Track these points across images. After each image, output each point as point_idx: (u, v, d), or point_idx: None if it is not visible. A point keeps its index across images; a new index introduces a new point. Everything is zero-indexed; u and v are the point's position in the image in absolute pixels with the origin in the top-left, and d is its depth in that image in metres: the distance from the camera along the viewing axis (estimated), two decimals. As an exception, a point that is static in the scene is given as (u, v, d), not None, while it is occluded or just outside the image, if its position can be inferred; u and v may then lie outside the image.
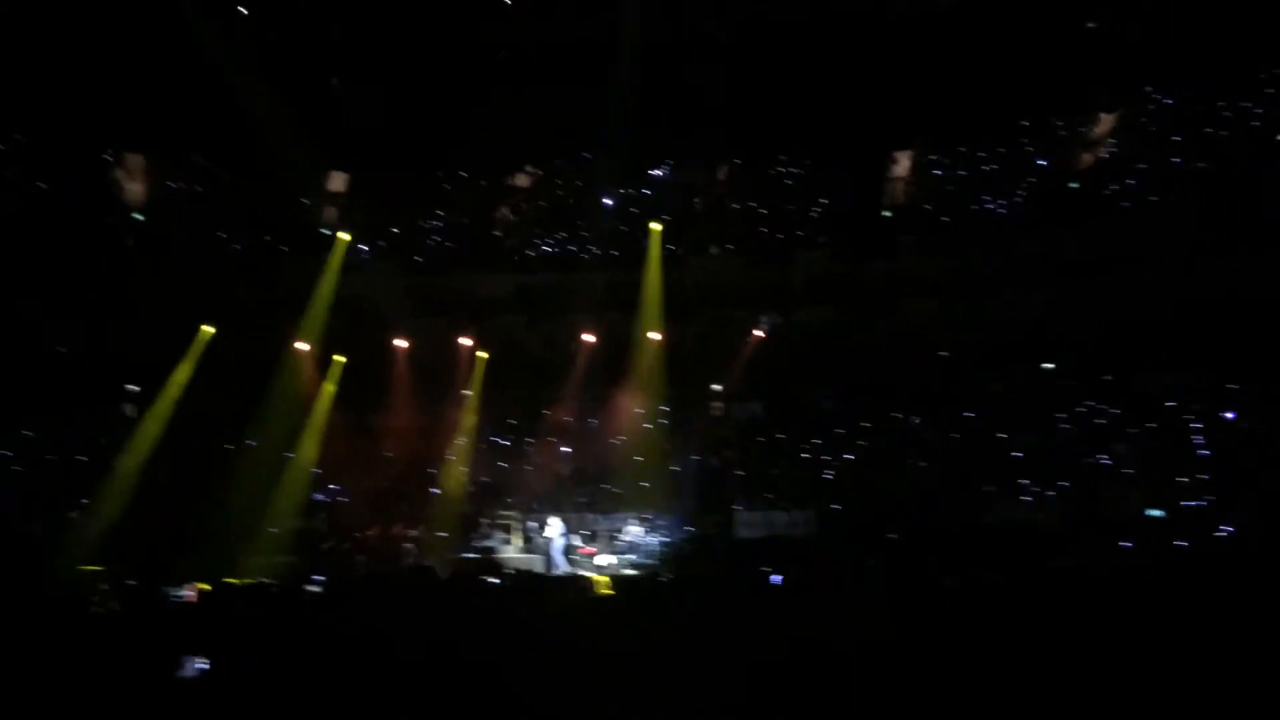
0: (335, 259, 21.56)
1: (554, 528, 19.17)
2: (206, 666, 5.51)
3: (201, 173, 22.50)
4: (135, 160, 22.08)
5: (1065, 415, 21.08)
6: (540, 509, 20.38)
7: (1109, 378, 21.37)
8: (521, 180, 23.84)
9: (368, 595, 11.14)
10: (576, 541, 19.73)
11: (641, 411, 22.95)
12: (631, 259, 23.22)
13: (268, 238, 22.41)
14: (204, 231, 22.39)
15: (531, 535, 19.48)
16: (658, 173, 23.60)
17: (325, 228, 22.84)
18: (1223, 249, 20.29)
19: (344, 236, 21.78)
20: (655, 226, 22.46)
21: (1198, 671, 5.13)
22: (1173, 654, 5.66)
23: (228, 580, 13.63)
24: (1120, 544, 17.12)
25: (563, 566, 18.77)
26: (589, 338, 22.90)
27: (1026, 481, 19.65)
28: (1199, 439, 19.21)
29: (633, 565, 19.07)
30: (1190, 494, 18.10)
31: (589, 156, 23.26)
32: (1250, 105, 20.59)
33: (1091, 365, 21.63)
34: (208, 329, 20.66)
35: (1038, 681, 5.05)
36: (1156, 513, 17.94)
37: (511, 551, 19.33)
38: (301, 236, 22.85)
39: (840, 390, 22.87)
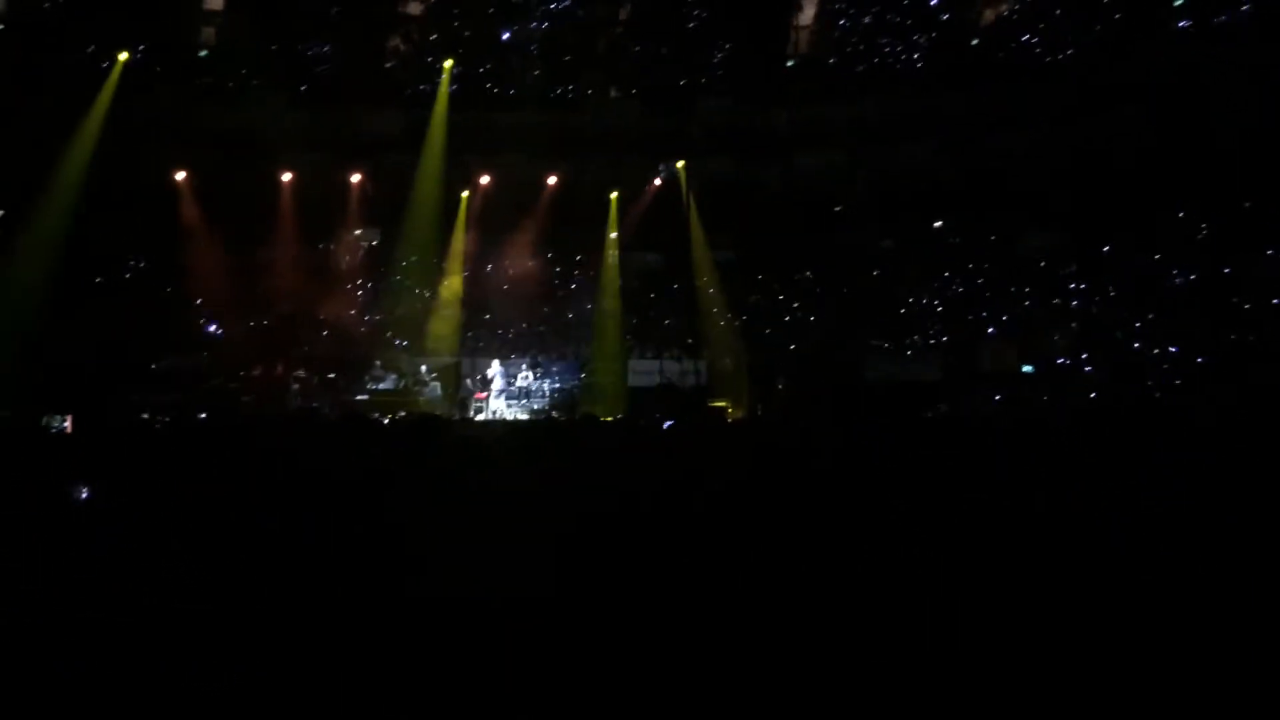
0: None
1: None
2: (89, 494, 5.41)
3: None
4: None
5: (950, 274, 21.72)
6: (433, 353, 20.25)
7: (994, 238, 22.02)
8: (414, 8, 22.62)
9: (253, 431, 10.98)
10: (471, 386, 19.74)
11: (536, 257, 22.78)
12: (531, 99, 22.61)
13: (138, 57, 20.67)
14: (69, 47, 20.63)
15: (425, 379, 19.33)
16: (556, 6, 22.61)
17: (203, 50, 21.45)
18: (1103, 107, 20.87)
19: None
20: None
21: (1058, 517, 5.40)
22: (1031, 497, 5.94)
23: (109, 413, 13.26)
24: (995, 397, 18.05)
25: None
26: (483, 179, 22.39)
27: (914, 337, 20.33)
28: (1071, 297, 20.09)
29: (527, 410, 19.24)
30: (1062, 352, 19.00)
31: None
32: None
33: (978, 224, 22.21)
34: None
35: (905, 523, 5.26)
36: (1030, 369, 18.87)
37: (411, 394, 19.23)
38: (177, 57, 21.35)
39: (736, 242, 23.01)
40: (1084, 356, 18.47)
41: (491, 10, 22.09)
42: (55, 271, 17.84)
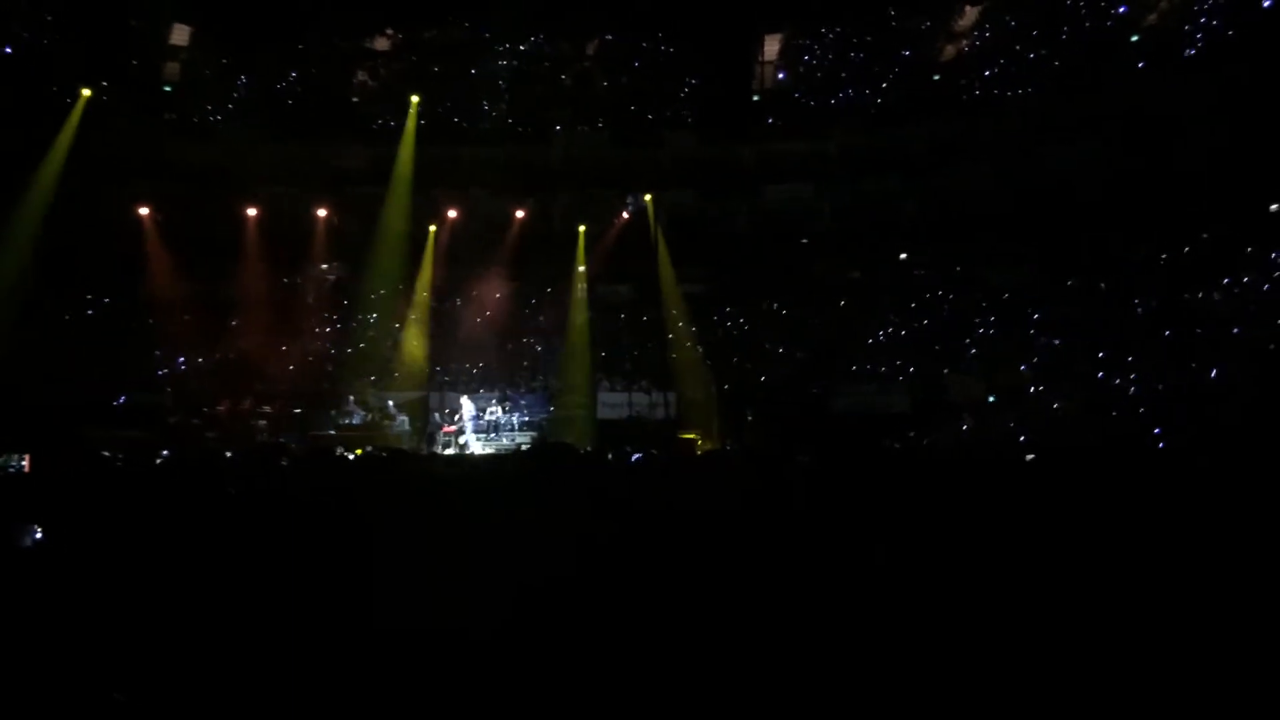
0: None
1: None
2: (40, 536, 5.23)
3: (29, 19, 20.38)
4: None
5: (916, 304, 21.86)
6: (401, 387, 20.08)
7: (959, 269, 22.22)
8: (382, 44, 22.67)
9: (215, 469, 10.74)
10: (439, 420, 19.58)
11: (505, 291, 22.72)
12: (498, 133, 22.72)
13: (104, 97, 20.48)
14: (35, 83, 20.42)
15: (393, 414, 19.15)
16: (527, 43, 22.74)
17: (168, 85, 21.38)
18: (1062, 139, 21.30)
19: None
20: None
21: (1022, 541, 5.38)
22: (995, 524, 5.92)
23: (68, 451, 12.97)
24: (962, 427, 18.09)
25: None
26: (451, 213, 22.39)
27: (882, 369, 20.39)
28: (1036, 329, 20.24)
29: (495, 445, 19.09)
30: (1028, 381, 19.09)
31: (454, 20, 22.26)
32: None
33: (943, 255, 22.43)
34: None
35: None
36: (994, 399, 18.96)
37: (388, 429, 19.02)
38: (141, 93, 21.23)
39: (704, 274, 23.08)
40: (1047, 387, 18.54)
41: (459, 46, 22.21)
42: (16, 306, 17.58)
